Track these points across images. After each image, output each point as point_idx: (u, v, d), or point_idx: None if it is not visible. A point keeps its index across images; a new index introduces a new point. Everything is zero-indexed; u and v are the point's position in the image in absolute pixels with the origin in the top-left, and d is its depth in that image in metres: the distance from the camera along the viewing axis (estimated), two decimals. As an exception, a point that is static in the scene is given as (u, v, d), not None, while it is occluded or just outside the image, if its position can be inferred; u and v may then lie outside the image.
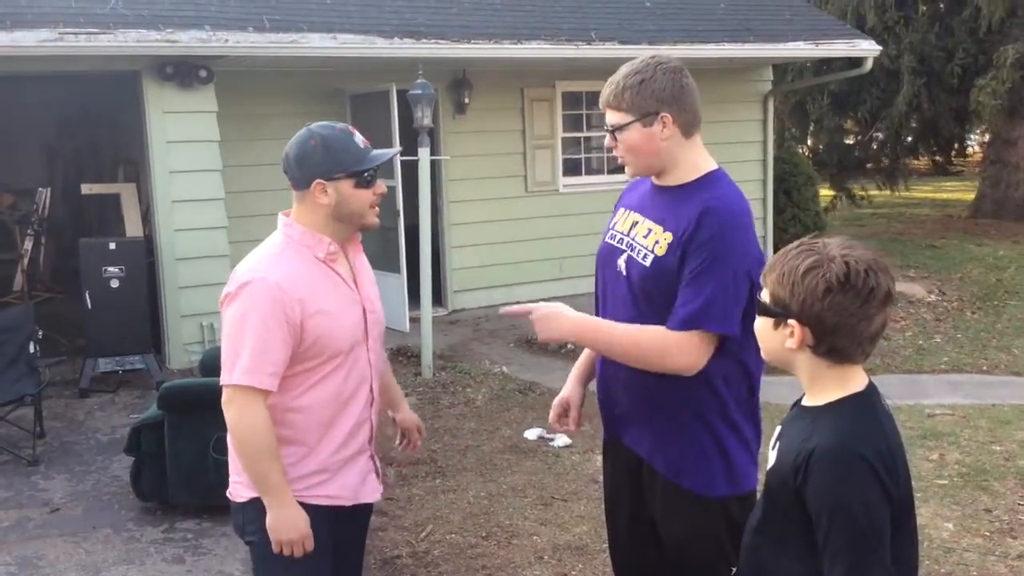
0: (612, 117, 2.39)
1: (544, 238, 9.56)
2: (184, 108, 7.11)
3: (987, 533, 4.20)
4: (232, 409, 2.31)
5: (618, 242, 2.47)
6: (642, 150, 2.37)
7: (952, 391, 6.59)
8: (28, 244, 9.86)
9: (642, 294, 2.35)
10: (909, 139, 17.08)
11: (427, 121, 6.84)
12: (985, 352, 7.52)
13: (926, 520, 4.31)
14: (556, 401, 2.64)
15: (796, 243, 1.81)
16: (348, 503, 2.48)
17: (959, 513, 4.41)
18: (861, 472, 1.66)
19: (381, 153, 2.43)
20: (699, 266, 2.24)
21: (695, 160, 2.39)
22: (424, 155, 6.86)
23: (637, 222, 2.43)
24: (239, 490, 2.43)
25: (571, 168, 9.92)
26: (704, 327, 2.23)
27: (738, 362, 2.32)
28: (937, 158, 20.48)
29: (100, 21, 6.59)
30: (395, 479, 4.99)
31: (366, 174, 2.38)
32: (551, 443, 5.52)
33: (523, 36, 8.27)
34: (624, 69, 2.38)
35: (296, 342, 2.31)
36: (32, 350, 5.80)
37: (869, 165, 16.60)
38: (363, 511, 2.58)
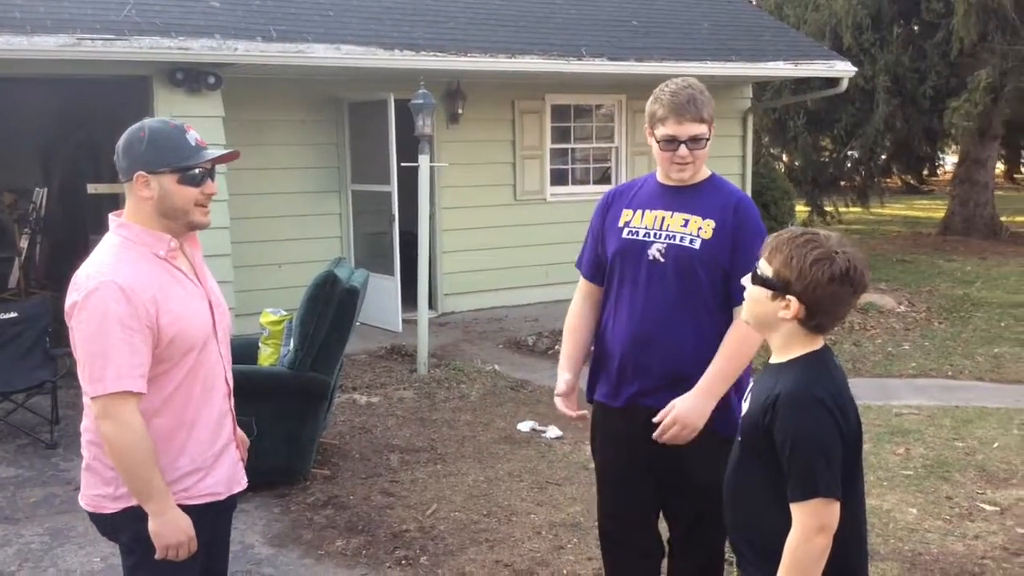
0: (701, 128, 2.77)
1: (532, 245, 9.92)
2: (193, 113, 7.37)
3: (947, 517, 4.57)
4: (110, 420, 2.22)
5: (644, 236, 2.87)
6: (705, 156, 2.85)
7: (918, 394, 6.97)
8: (24, 242, 10.07)
9: (688, 273, 2.78)
10: (883, 158, 17.60)
11: (428, 130, 7.18)
12: (950, 359, 7.91)
13: (892, 505, 4.68)
14: (568, 394, 3.01)
15: (800, 231, 2.15)
16: (224, 496, 2.48)
17: (922, 500, 4.78)
18: (817, 409, 2.06)
19: (210, 152, 2.38)
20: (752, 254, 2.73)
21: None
22: (424, 162, 7.20)
23: (665, 216, 2.85)
24: (103, 503, 2.36)
25: (558, 178, 10.30)
26: None
27: None
28: (909, 177, 21.05)
29: (116, 28, 6.88)
30: (398, 464, 5.30)
31: (191, 171, 2.33)
32: (543, 435, 5.85)
33: (517, 51, 8.64)
34: (693, 83, 2.79)
35: (154, 342, 2.26)
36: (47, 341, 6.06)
37: (843, 182, 17.09)
38: (231, 502, 2.56)
